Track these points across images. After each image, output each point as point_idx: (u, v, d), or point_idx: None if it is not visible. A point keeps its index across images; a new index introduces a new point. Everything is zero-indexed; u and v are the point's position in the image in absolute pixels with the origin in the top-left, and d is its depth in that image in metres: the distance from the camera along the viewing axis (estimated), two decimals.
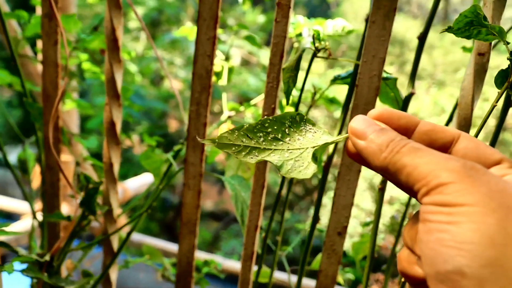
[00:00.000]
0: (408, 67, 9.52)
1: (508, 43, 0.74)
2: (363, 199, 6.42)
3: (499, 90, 0.75)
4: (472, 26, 0.76)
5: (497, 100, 0.76)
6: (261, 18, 9.03)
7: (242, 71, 9.46)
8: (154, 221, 8.90)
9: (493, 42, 0.95)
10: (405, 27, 9.82)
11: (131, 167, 8.62)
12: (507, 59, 0.74)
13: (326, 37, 1.23)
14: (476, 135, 0.80)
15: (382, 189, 1.02)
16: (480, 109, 7.21)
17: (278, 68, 1.04)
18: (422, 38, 0.99)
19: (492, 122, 7.71)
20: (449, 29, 0.79)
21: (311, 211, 6.45)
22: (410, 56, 9.42)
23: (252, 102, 1.62)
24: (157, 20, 9.29)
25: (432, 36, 9.81)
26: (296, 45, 1.43)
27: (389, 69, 8.74)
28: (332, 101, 1.54)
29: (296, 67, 0.99)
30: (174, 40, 8.75)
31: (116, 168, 1.27)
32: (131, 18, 8.13)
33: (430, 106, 7.77)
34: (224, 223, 9.35)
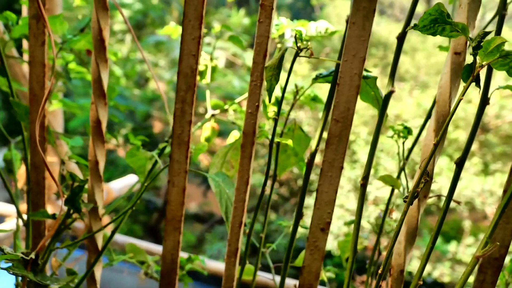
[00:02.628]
0: (389, 69, 9.55)
1: (471, 39, 0.76)
2: (348, 200, 6.46)
3: (464, 84, 0.77)
4: (436, 23, 0.78)
5: (463, 94, 0.78)
6: (245, 21, 9.06)
7: (227, 73, 9.47)
8: (137, 223, 8.88)
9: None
10: (388, 30, 9.88)
11: (115, 169, 8.60)
12: (470, 54, 0.77)
13: (308, 38, 1.25)
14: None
15: (363, 185, 1.04)
16: (463, 110, 7.25)
17: (262, 67, 1.06)
18: (401, 38, 1.01)
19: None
20: (415, 27, 0.81)
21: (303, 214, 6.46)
22: (390, 58, 9.45)
23: (237, 100, 1.64)
24: (142, 23, 9.29)
25: (415, 39, 9.85)
26: (279, 45, 1.45)
27: (373, 71, 8.74)
28: (315, 99, 1.56)
29: (278, 65, 1.01)
30: (158, 42, 8.76)
31: (102, 166, 1.28)
32: (116, 21, 8.14)
33: (413, 108, 7.80)
34: (209, 225, 9.33)
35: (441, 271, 7.15)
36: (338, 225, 6.23)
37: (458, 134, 7.31)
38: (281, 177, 8.76)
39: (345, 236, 1.43)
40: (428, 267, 7.30)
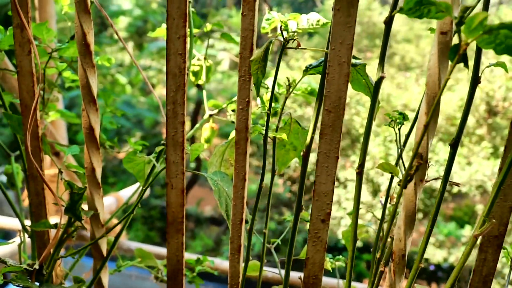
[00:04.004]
0: (396, 59, 9.53)
1: (455, 17, 0.75)
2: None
3: (451, 63, 0.76)
4: (422, 5, 0.77)
5: (450, 73, 0.78)
6: None
7: (232, 75, 9.48)
8: (154, 230, 8.91)
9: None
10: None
11: (127, 178, 8.62)
12: (454, 32, 0.76)
13: (301, 30, 1.24)
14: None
15: (360, 173, 1.03)
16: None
17: (249, 61, 1.05)
18: (388, 22, 1.00)
19: (483, 107, 7.73)
20: (400, 10, 0.80)
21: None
22: (395, 47, 9.44)
23: (234, 98, 1.63)
24: (142, 29, 9.31)
25: (418, 26, 9.84)
26: (272, 38, 1.44)
27: (377, 62, 8.71)
28: (312, 93, 1.55)
29: (264, 58, 1.00)
30: (161, 48, 8.77)
31: (98, 172, 1.28)
32: (117, 29, 8.15)
33: (420, 96, 7.78)
34: (225, 227, 9.36)
35: (456, 256, 7.14)
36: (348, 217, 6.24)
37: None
38: (292, 174, 8.76)
39: (349, 227, 1.42)
40: (444, 253, 7.28)
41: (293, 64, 9.18)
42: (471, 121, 7.17)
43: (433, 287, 7.86)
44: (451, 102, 7.36)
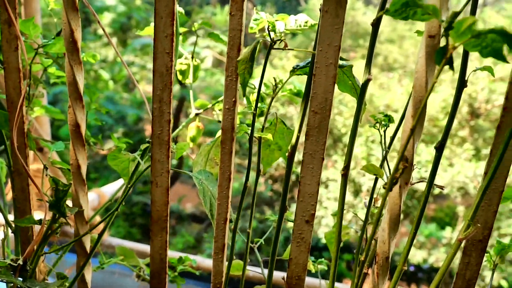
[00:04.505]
0: (379, 59, 9.56)
1: (443, 21, 0.75)
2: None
3: (438, 67, 0.77)
4: (408, 7, 0.78)
5: (437, 76, 0.78)
6: None
7: (215, 72, 9.46)
8: (135, 226, 8.89)
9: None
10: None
11: (110, 174, 8.60)
12: (441, 35, 0.76)
13: (288, 31, 1.25)
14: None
15: (344, 175, 1.04)
16: (452, 96, 7.26)
17: (236, 61, 1.06)
18: (376, 24, 1.00)
19: (465, 109, 7.77)
20: (386, 12, 0.80)
21: (292, 207, 6.48)
22: (378, 48, 9.46)
23: (220, 98, 1.63)
24: (126, 25, 9.29)
25: (402, 27, 9.87)
26: (259, 38, 1.44)
27: (361, 62, 8.78)
28: (298, 94, 1.56)
29: (251, 58, 1.00)
30: (145, 44, 8.75)
31: (84, 169, 1.27)
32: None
33: (403, 97, 7.81)
34: (206, 224, 9.35)
35: (436, 257, 7.18)
36: (335, 218, 6.26)
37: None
38: (274, 173, 8.77)
39: (333, 227, 1.42)
40: (424, 254, 7.32)
41: (277, 63, 9.20)
42: (454, 123, 7.23)
43: None
44: (434, 103, 7.39)
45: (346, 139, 7.67)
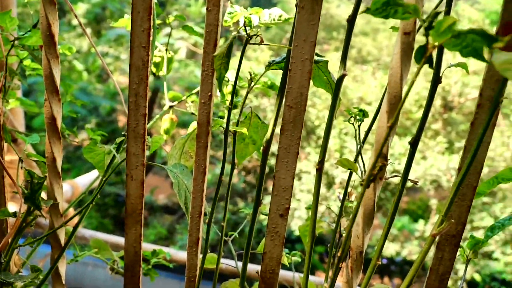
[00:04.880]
0: (353, 52, 9.59)
1: (424, 21, 0.76)
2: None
3: (417, 65, 0.77)
4: (388, 5, 0.78)
5: (416, 75, 0.79)
6: (205, 10, 9.05)
7: (189, 64, 9.44)
8: (107, 217, 8.86)
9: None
10: (348, 13, 9.92)
11: (83, 164, 8.56)
12: (422, 35, 0.77)
13: (262, 25, 1.25)
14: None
15: (319, 169, 1.04)
16: (426, 90, 7.30)
17: (213, 56, 1.06)
18: (351, 21, 1.01)
19: (438, 102, 7.82)
20: (367, 10, 0.81)
21: (265, 200, 6.49)
22: (354, 40, 9.49)
23: (194, 91, 1.63)
24: (101, 16, 9.23)
25: (375, 20, 9.91)
26: (235, 34, 1.45)
27: (335, 55, 8.83)
28: (272, 87, 1.56)
29: (227, 53, 1.01)
30: (119, 35, 8.71)
31: (59, 162, 1.27)
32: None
33: (377, 90, 7.85)
34: (178, 216, 9.34)
35: (409, 250, 7.23)
36: (308, 211, 6.28)
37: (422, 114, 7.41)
38: (247, 165, 8.77)
39: (306, 221, 1.43)
40: (397, 247, 7.36)
41: (251, 54, 9.20)
42: (427, 118, 7.27)
43: (385, 280, 7.94)
44: (408, 96, 7.43)
45: (319, 131, 7.70)
